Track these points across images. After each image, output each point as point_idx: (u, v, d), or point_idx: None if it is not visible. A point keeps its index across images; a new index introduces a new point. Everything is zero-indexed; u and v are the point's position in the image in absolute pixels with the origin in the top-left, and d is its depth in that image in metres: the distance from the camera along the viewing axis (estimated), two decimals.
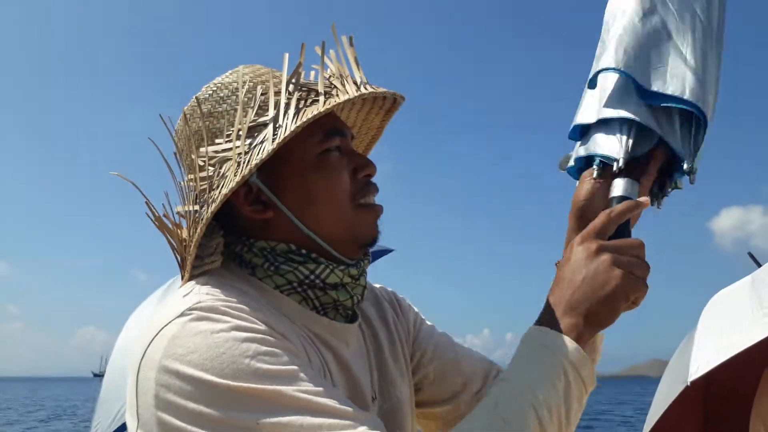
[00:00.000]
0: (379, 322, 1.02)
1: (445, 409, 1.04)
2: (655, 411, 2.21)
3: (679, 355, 2.29)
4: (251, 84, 0.87)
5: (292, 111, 0.80)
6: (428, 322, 1.11)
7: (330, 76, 0.86)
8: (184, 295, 0.77)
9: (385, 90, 0.86)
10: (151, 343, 0.72)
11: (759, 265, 2.41)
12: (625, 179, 0.86)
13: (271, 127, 0.80)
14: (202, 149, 0.85)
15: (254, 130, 0.82)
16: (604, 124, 0.89)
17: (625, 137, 0.87)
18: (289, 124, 0.79)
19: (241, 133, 0.81)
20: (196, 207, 0.83)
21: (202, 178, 0.83)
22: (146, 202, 0.84)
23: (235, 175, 0.78)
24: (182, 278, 0.88)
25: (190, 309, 0.73)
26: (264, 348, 0.70)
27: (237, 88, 0.87)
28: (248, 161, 0.79)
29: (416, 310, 1.11)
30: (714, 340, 1.90)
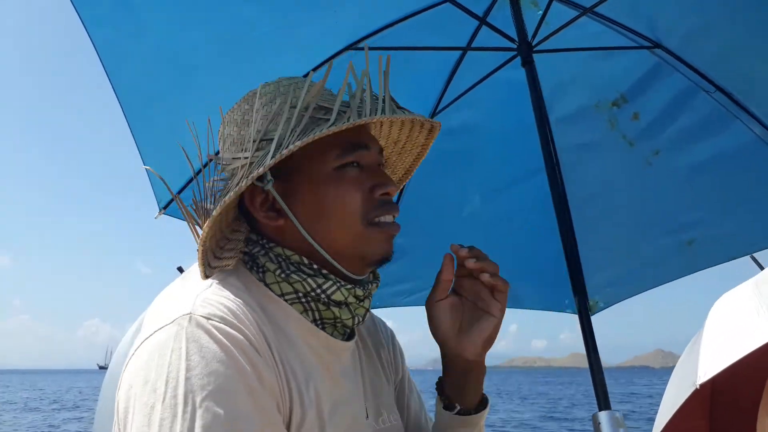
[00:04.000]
0: (374, 349, 1.04)
1: None
2: (663, 414, 2.25)
3: (685, 358, 2.33)
4: (269, 97, 0.90)
5: (300, 128, 0.83)
6: (409, 375, 1.13)
7: (353, 96, 0.87)
8: (184, 295, 0.80)
9: (404, 115, 0.87)
10: (141, 345, 0.76)
11: (762, 268, 2.48)
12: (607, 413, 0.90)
13: (275, 142, 0.83)
14: (227, 155, 0.90)
15: (266, 143, 0.86)
16: None
17: None
18: (292, 142, 0.82)
19: (249, 145, 0.86)
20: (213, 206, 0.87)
21: (221, 180, 0.90)
22: (178, 199, 0.89)
23: (238, 184, 0.82)
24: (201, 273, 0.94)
25: (180, 319, 0.75)
26: (222, 387, 0.71)
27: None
28: (249, 173, 0.83)
29: (405, 357, 1.12)
30: (720, 344, 1.92)
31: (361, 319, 0.90)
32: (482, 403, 1.00)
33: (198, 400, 0.68)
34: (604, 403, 0.91)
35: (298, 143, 0.80)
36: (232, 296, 0.80)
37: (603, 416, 0.87)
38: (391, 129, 1.00)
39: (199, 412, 0.68)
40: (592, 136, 1.94)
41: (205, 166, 0.90)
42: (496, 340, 0.96)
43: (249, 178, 0.81)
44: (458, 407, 0.98)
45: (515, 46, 1.63)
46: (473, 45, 1.82)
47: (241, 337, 0.75)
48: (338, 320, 0.88)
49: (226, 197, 0.81)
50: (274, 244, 0.88)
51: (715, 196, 1.84)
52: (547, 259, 2.09)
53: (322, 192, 0.86)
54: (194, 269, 0.90)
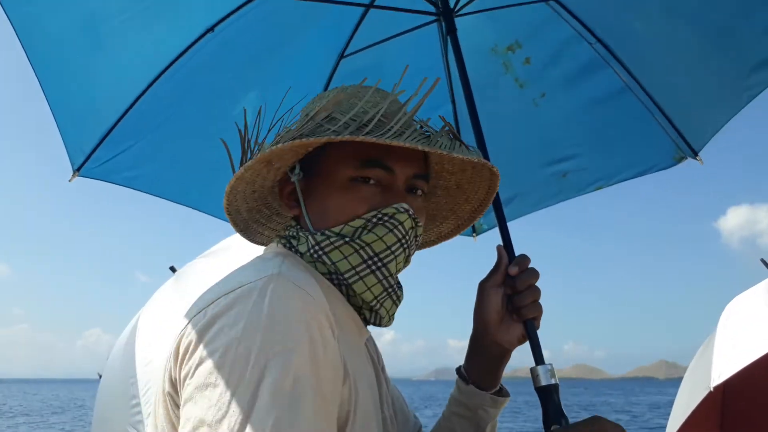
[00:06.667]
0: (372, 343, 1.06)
1: None
2: (676, 417, 2.23)
3: (698, 361, 2.32)
4: (342, 98, 0.94)
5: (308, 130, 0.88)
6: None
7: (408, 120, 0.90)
8: (264, 264, 0.84)
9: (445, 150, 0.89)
10: (213, 302, 0.77)
11: None
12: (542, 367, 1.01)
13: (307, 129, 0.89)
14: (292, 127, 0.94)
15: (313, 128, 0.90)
16: None
17: None
18: (308, 137, 0.86)
19: (303, 121, 0.93)
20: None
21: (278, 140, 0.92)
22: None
23: (273, 146, 0.88)
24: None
25: (269, 276, 0.78)
26: (295, 348, 0.73)
27: (329, 97, 0.95)
28: (288, 138, 0.88)
29: None
30: (733, 346, 1.94)
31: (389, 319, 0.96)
32: (502, 390, 1.08)
33: (273, 352, 0.70)
34: (539, 359, 1.05)
35: (301, 141, 0.86)
36: (304, 270, 0.85)
37: (540, 369, 1.02)
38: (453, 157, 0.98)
39: (270, 364, 0.69)
40: (487, 78, 2.04)
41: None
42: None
43: (284, 143, 0.86)
44: (499, 386, 1.06)
45: (435, 11, 1.61)
46: (378, 2, 1.76)
47: (321, 308, 0.77)
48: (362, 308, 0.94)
49: (272, 147, 0.87)
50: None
51: (588, 135, 2.11)
52: None
53: (330, 196, 0.91)
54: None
